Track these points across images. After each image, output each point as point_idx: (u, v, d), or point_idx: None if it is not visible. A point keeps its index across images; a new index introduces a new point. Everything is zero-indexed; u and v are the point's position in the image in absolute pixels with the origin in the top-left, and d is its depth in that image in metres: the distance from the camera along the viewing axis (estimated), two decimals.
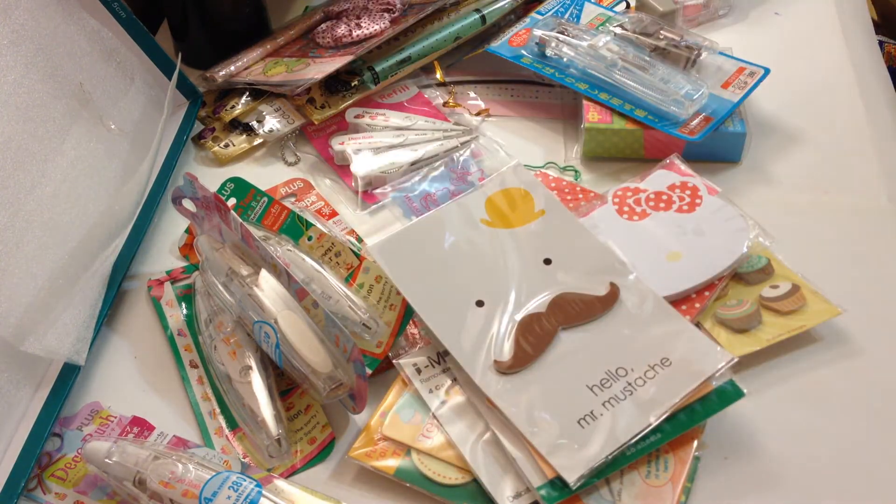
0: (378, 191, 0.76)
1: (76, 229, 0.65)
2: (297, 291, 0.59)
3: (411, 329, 0.64)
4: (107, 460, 0.55)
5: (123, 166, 0.73)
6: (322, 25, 0.85)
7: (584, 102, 0.77)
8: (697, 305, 0.62)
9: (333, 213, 0.74)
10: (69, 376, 0.61)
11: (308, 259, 0.66)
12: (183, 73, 0.80)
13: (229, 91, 0.85)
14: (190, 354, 0.65)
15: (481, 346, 0.59)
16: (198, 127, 0.83)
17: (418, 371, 0.60)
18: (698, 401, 0.56)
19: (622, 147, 0.76)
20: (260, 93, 0.83)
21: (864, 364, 0.61)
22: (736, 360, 0.57)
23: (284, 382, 0.62)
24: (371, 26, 0.82)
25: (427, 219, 0.66)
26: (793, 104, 0.81)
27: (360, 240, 0.72)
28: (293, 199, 0.76)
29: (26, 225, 0.61)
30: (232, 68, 0.84)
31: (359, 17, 0.83)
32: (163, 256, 0.73)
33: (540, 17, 0.87)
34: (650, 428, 0.54)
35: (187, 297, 0.68)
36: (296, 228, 0.69)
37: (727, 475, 0.56)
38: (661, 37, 0.79)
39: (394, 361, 0.60)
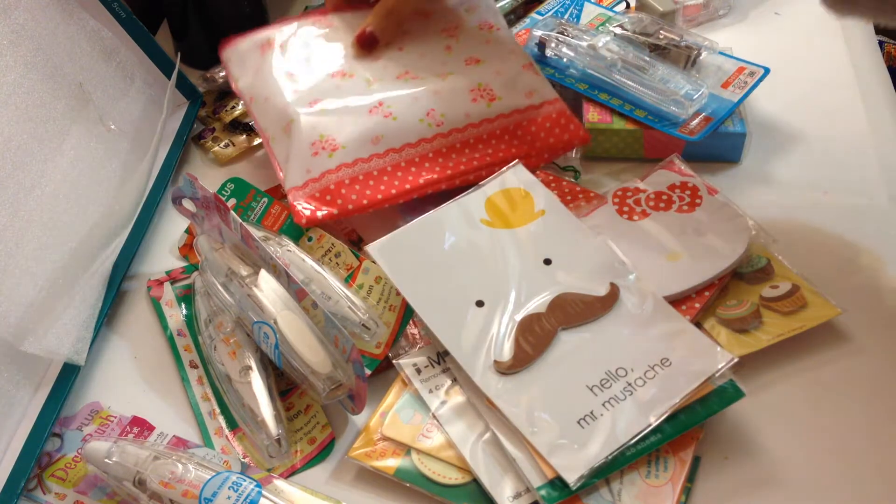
0: None
1: (76, 229, 0.65)
2: (297, 292, 0.59)
3: (411, 329, 0.64)
4: (107, 460, 0.55)
5: (123, 166, 0.73)
6: None
7: (584, 102, 0.77)
8: (697, 305, 0.62)
9: None
10: (69, 376, 0.61)
11: (308, 259, 0.66)
12: (183, 72, 0.80)
13: (229, 91, 0.84)
14: (190, 354, 0.65)
15: (481, 346, 0.59)
16: (198, 127, 0.83)
17: (418, 371, 0.60)
18: (698, 401, 0.56)
19: (622, 147, 0.76)
20: None
21: (864, 364, 0.61)
22: (736, 360, 0.57)
23: (284, 382, 0.62)
24: None
25: (427, 219, 0.66)
26: (793, 104, 0.80)
27: (360, 240, 0.71)
28: None
29: (26, 225, 0.61)
30: None
31: None
32: (163, 256, 0.73)
33: (540, 17, 0.87)
34: (650, 428, 0.54)
35: (187, 297, 0.68)
36: (296, 229, 0.69)
37: (727, 475, 0.56)
38: (661, 37, 0.79)
39: (394, 361, 0.60)
